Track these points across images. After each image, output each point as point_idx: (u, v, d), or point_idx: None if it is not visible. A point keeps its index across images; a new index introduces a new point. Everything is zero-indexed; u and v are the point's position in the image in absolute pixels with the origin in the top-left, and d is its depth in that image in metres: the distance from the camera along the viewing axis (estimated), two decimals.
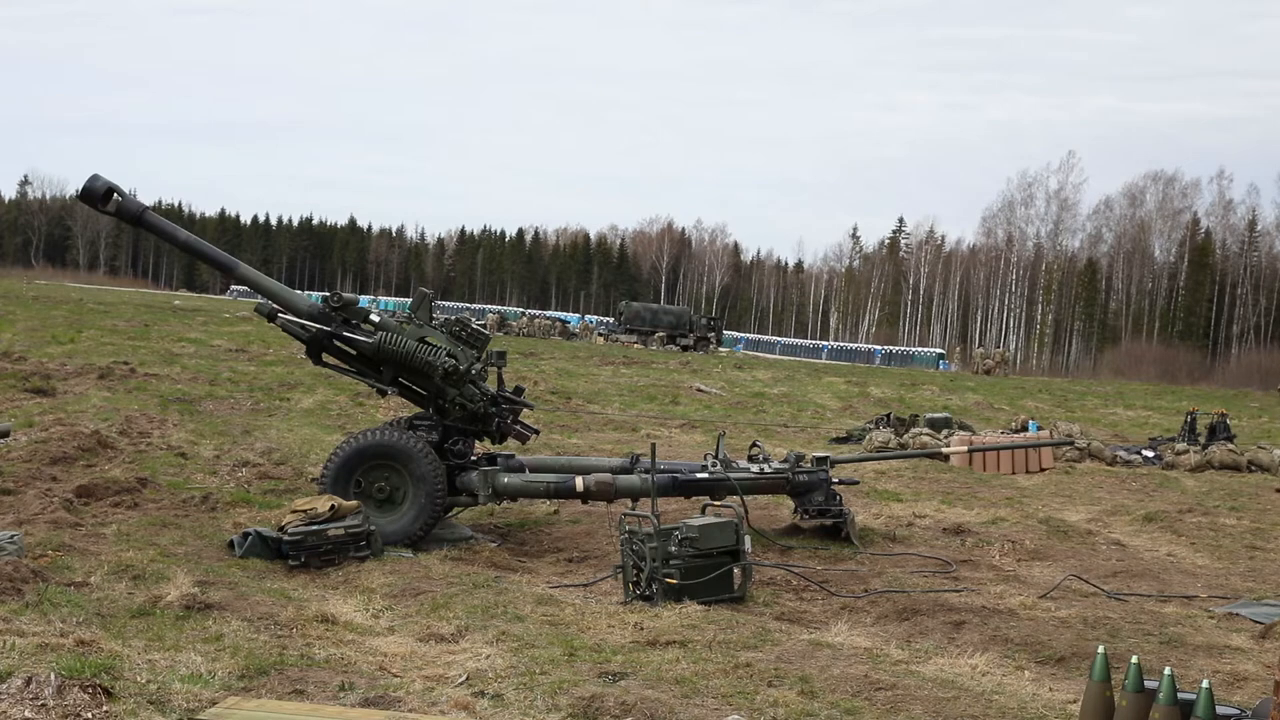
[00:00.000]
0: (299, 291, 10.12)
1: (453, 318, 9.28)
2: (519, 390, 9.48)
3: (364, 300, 11.35)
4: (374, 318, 8.92)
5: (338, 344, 8.97)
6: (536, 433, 9.71)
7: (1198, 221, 78.67)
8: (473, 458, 9.13)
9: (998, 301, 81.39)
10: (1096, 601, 7.99)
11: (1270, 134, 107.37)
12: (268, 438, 12.46)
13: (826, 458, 10.04)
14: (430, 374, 8.75)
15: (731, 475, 9.12)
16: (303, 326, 8.87)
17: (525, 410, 9.51)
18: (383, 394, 9.32)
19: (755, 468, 9.62)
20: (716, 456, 9.27)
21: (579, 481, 8.95)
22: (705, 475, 9.11)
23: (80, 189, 8.66)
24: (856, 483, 10.64)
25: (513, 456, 9.31)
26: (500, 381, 9.32)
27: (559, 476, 9.09)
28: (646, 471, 8.38)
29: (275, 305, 9.04)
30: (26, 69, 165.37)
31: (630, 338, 53.95)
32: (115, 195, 8.67)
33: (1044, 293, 79.13)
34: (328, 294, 9.10)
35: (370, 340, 8.78)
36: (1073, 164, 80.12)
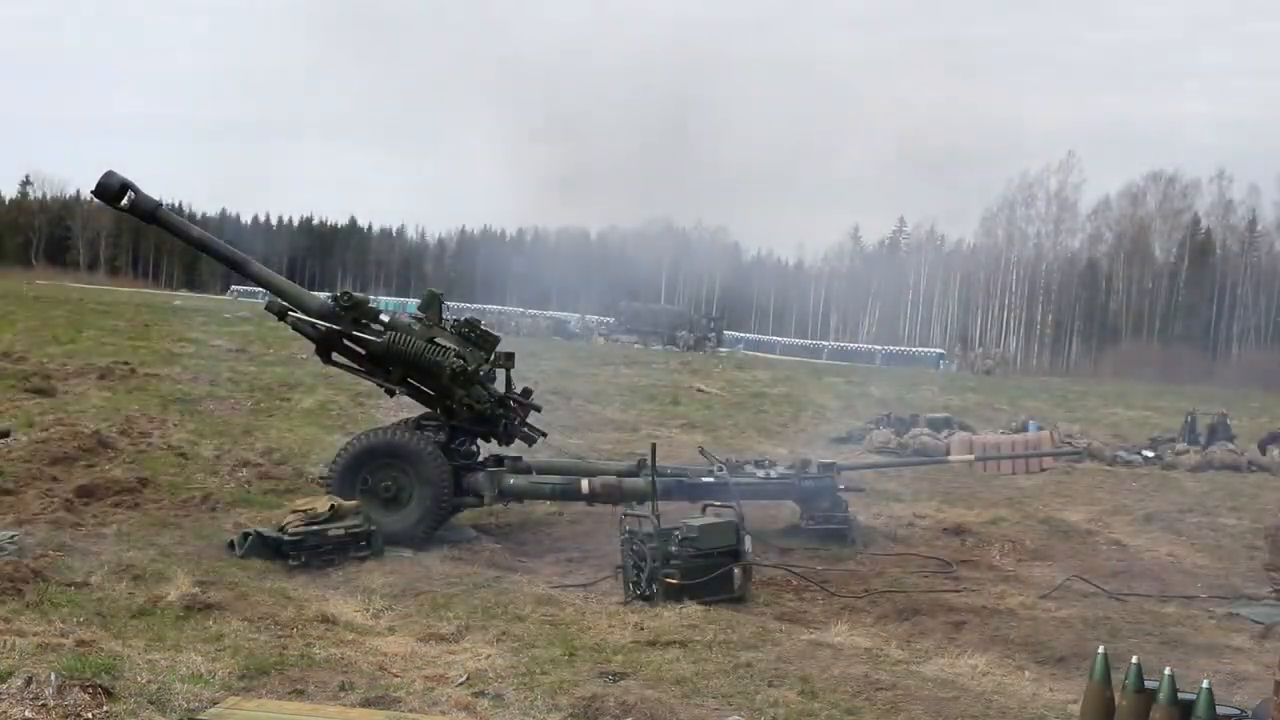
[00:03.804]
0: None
1: (462, 318, 9.27)
2: (527, 392, 9.47)
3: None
4: (384, 317, 8.92)
5: (347, 343, 8.97)
6: (544, 435, 9.71)
7: (1198, 221, 78.61)
8: (480, 459, 9.13)
9: (998, 301, 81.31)
10: (1096, 601, 8.00)
11: (1270, 134, 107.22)
12: (268, 438, 12.46)
13: (833, 464, 10.03)
14: (438, 374, 8.75)
15: (737, 480, 9.09)
16: (313, 325, 8.87)
17: (533, 412, 9.51)
18: (390, 394, 9.33)
19: (761, 473, 9.62)
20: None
21: (584, 484, 8.95)
22: (711, 479, 9.11)
23: (96, 184, 8.66)
24: (862, 489, 10.65)
25: (519, 458, 9.32)
26: (509, 383, 9.32)
27: (565, 478, 9.09)
28: (657, 475, 8.38)
29: (286, 303, 9.04)
30: (27, 69, 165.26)
31: (630, 337, 53.90)
32: (129, 191, 8.68)
33: (1044, 293, 79.05)
34: (338, 293, 9.09)
35: (380, 340, 8.78)
36: (1073, 164, 79.73)
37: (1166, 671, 4.24)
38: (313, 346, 9.24)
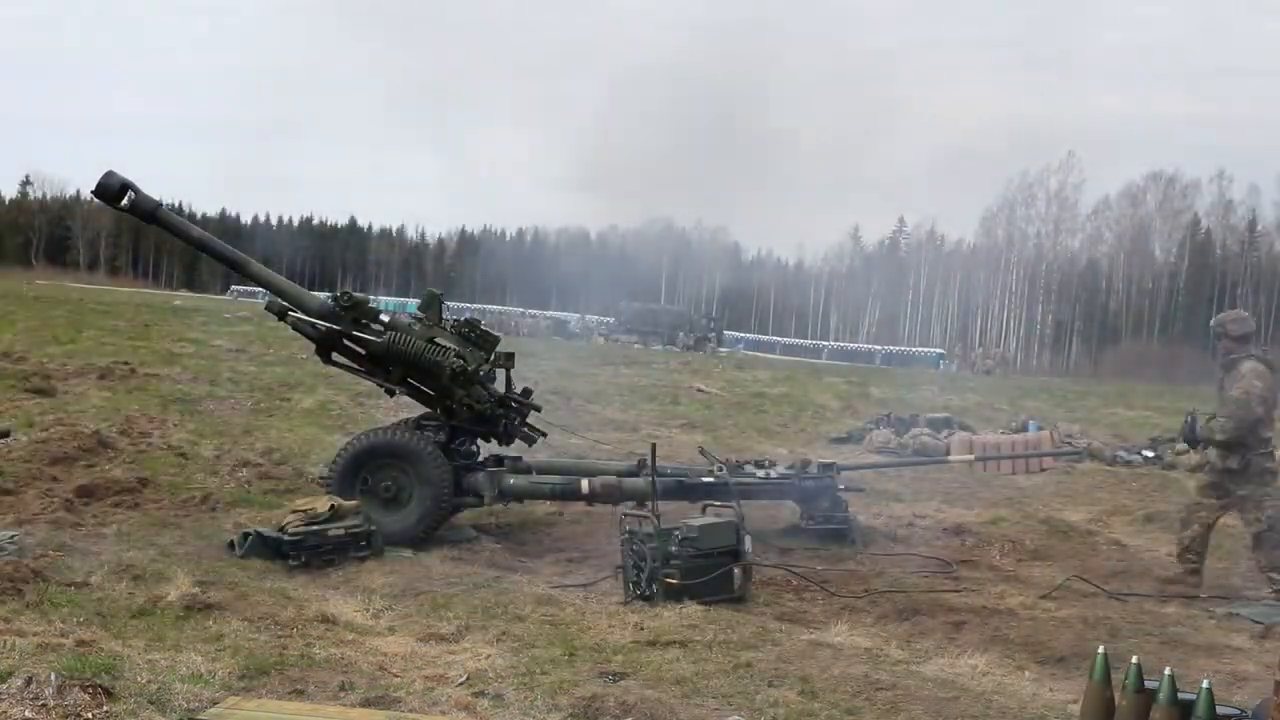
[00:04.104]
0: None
1: (462, 319, 9.28)
2: (527, 392, 9.47)
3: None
4: (384, 317, 8.93)
5: (347, 343, 8.98)
6: (544, 435, 9.71)
7: (1198, 221, 78.67)
8: (480, 459, 9.13)
9: (998, 301, 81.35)
10: (1096, 601, 7.99)
11: (1270, 134, 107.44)
12: (268, 438, 12.46)
13: (832, 464, 10.04)
14: (438, 374, 8.75)
15: (737, 480, 9.09)
16: (313, 325, 8.87)
17: (533, 412, 9.52)
18: (390, 393, 9.34)
19: (761, 473, 9.61)
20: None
21: (584, 484, 8.95)
22: (711, 479, 9.11)
23: (96, 184, 8.66)
24: (862, 489, 10.65)
25: (519, 458, 9.32)
26: (509, 383, 9.32)
27: (565, 478, 9.09)
28: (657, 475, 8.38)
29: (286, 303, 9.05)
30: (26, 69, 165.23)
31: (630, 337, 53.97)
32: (129, 191, 8.68)
33: (1044, 293, 79.07)
34: (338, 293, 9.10)
35: (380, 340, 8.78)
36: (1073, 164, 79.77)
37: (1166, 671, 4.23)
38: (313, 346, 9.24)
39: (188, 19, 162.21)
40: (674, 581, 7.11)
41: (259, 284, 9.44)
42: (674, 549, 7.19)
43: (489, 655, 5.87)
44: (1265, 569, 8.52)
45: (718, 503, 8.27)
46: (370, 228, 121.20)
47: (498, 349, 9.13)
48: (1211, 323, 9.01)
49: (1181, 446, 17.21)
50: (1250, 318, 8.89)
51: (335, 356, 9.14)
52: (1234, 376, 8.52)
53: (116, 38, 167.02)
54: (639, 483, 8.82)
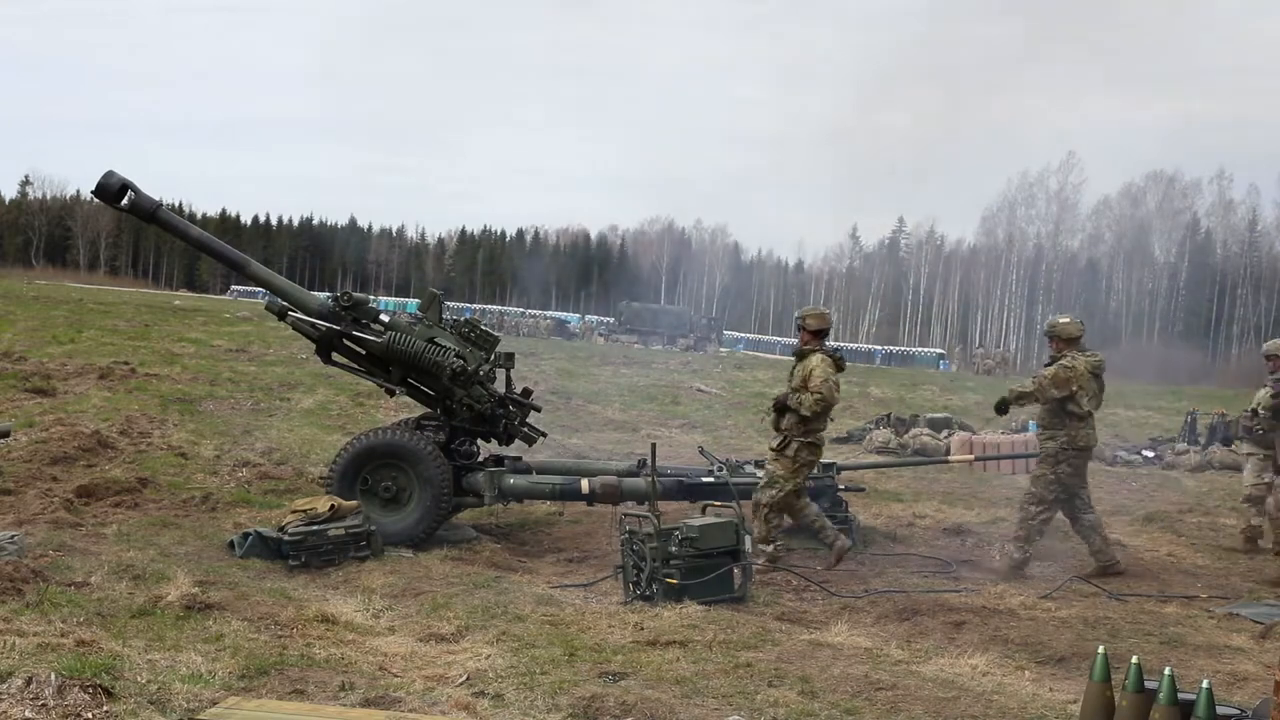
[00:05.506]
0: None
1: (462, 319, 9.28)
2: (527, 392, 9.47)
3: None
4: (384, 318, 8.93)
5: (347, 343, 8.98)
6: (544, 435, 9.71)
7: (1198, 221, 78.67)
8: (480, 459, 9.13)
9: (998, 301, 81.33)
10: (1097, 601, 8.00)
11: (1270, 134, 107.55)
12: (268, 438, 12.46)
13: (833, 464, 10.03)
14: (438, 374, 8.76)
15: (737, 480, 9.09)
16: (313, 325, 8.88)
17: (533, 412, 9.53)
18: (391, 394, 9.34)
19: (761, 473, 9.61)
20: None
21: (584, 484, 8.94)
22: (710, 479, 9.11)
23: (95, 184, 8.68)
24: (863, 489, 10.63)
25: (519, 458, 9.32)
26: (509, 383, 9.32)
27: (565, 478, 9.09)
28: (657, 475, 8.38)
29: (286, 303, 9.05)
30: (27, 69, 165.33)
31: (630, 338, 54.03)
32: (129, 192, 8.69)
33: (1044, 293, 79.05)
34: (338, 293, 9.11)
35: (380, 340, 8.78)
36: (1073, 164, 79.84)
37: (1166, 671, 4.23)
38: (313, 346, 9.25)
39: (190, 18, 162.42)
40: (674, 581, 7.11)
41: (259, 284, 9.46)
42: (674, 549, 7.19)
43: (489, 655, 5.87)
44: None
45: (718, 503, 8.27)
46: (370, 228, 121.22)
47: (498, 349, 9.13)
48: (795, 315, 9.21)
49: (1182, 446, 17.28)
50: (829, 314, 9.14)
51: (335, 356, 9.15)
52: (804, 365, 8.73)
53: (117, 37, 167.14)
54: (639, 483, 8.82)
